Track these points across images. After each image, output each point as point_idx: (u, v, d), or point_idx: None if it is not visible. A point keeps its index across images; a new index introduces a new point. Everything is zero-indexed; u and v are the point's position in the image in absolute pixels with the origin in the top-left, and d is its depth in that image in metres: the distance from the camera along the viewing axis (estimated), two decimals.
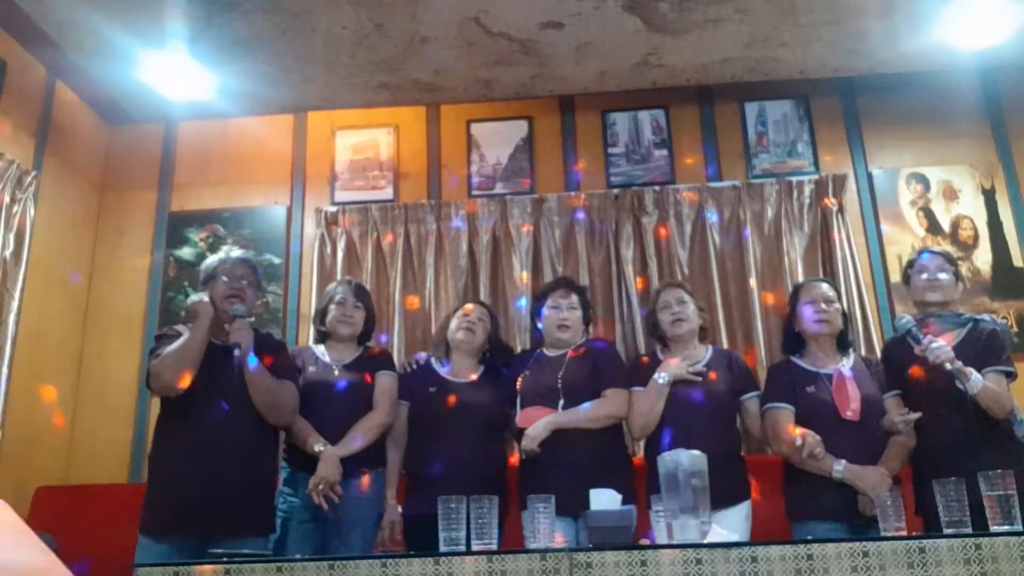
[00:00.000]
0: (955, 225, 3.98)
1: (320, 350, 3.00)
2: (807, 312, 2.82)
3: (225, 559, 1.91)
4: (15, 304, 3.50)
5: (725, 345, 3.77)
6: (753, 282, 3.86)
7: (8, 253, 3.50)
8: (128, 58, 3.70)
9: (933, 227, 3.98)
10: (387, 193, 4.27)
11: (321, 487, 2.65)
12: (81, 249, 4.17)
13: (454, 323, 3.04)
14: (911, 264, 2.91)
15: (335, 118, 4.37)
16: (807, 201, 4.01)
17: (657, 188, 4.08)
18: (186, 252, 4.16)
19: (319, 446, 2.72)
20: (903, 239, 3.97)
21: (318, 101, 4.17)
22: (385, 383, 2.94)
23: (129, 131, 4.41)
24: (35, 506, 3.52)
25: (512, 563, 1.82)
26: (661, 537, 2.12)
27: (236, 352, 2.59)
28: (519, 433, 2.79)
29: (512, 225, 4.07)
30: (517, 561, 1.82)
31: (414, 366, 3.06)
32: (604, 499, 2.18)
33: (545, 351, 3.00)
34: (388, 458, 2.90)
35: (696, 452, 2.10)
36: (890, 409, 2.71)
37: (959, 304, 2.92)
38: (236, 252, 2.84)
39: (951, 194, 4.03)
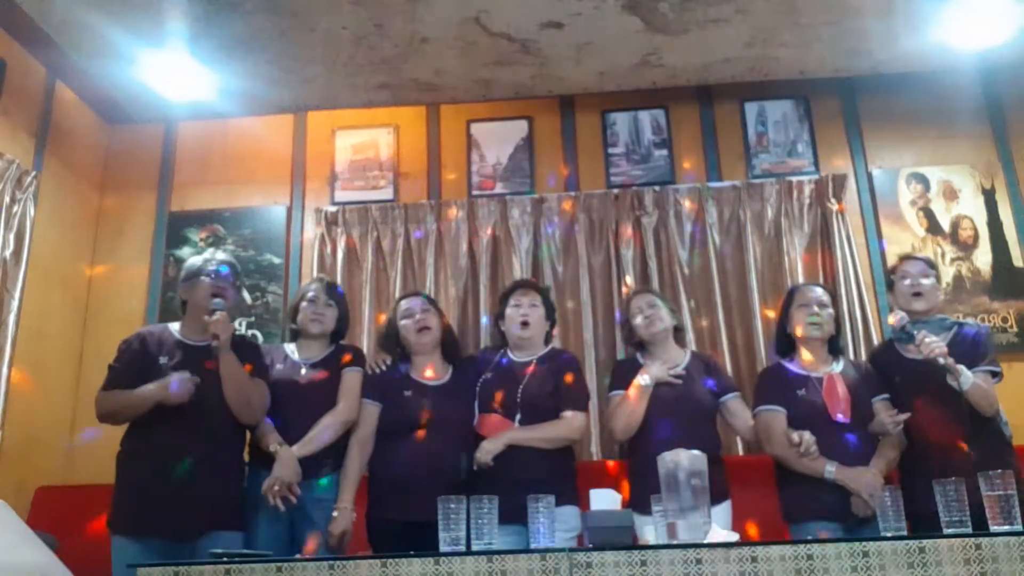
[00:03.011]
0: (955, 225, 3.98)
1: (291, 348, 2.96)
2: (800, 316, 2.85)
3: (225, 559, 1.90)
4: (15, 304, 3.50)
5: (725, 345, 3.79)
6: (753, 282, 3.86)
7: (8, 253, 3.51)
8: (128, 58, 3.71)
9: (933, 227, 3.98)
10: (387, 193, 4.27)
11: (276, 488, 2.57)
12: (81, 249, 4.17)
13: (404, 325, 2.93)
14: (894, 270, 2.97)
15: (335, 118, 4.37)
16: (807, 201, 4.01)
17: (657, 188, 4.08)
18: (186, 252, 4.14)
19: (275, 446, 2.66)
20: (903, 239, 3.96)
21: (318, 101, 4.17)
22: (350, 380, 2.87)
23: (129, 131, 4.41)
24: (35, 506, 3.51)
25: (512, 563, 1.82)
26: (661, 537, 2.12)
27: (214, 344, 2.57)
28: (477, 439, 2.77)
29: (512, 225, 4.07)
30: (517, 561, 1.82)
31: (382, 367, 2.95)
32: (604, 499, 2.17)
33: (511, 354, 2.95)
34: (349, 461, 2.78)
35: (696, 452, 2.10)
36: (879, 412, 2.73)
37: (956, 306, 2.92)
38: (220, 255, 2.85)
39: (951, 194, 4.03)
